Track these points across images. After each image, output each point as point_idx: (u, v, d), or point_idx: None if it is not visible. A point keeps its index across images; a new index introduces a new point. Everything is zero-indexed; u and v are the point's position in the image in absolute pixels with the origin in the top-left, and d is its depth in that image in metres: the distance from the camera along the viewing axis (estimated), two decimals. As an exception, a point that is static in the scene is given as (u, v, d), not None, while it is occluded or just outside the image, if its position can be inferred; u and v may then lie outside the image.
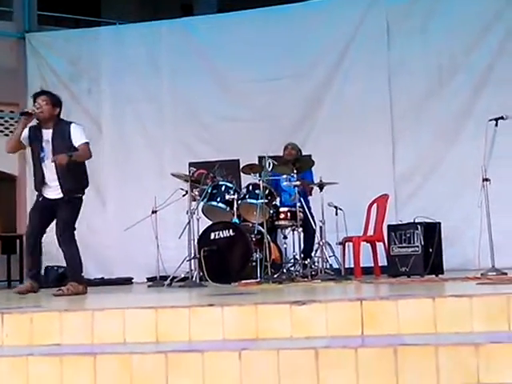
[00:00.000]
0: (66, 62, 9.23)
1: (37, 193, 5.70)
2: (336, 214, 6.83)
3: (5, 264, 8.64)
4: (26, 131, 5.55)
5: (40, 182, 5.58)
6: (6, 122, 9.45)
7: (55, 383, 3.24)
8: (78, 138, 5.56)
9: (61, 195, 5.55)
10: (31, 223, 5.82)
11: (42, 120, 5.53)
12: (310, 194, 7.18)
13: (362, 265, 6.94)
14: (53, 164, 5.43)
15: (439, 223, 6.55)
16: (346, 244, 7.07)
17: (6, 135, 9.37)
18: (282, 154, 7.43)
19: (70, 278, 5.78)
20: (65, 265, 8.35)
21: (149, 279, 7.85)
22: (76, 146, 5.52)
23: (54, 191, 5.58)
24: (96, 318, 3.61)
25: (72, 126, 5.58)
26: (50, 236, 8.89)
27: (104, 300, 5.31)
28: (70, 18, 10.49)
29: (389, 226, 6.85)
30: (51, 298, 5.38)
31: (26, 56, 9.34)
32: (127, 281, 8.23)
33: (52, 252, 8.84)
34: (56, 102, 5.62)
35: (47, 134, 5.54)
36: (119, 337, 3.58)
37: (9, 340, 3.59)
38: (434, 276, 6.28)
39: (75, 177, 5.57)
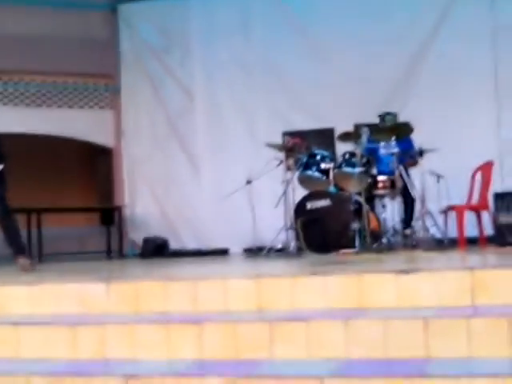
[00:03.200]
0: (158, 33, 9.26)
1: None
2: (438, 182, 6.57)
3: (104, 235, 8.85)
4: None
5: None
6: (101, 94, 9.62)
7: (162, 350, 3.27)
8: None
9: None
10: None
11: None
12: (413, 165, 6.89)
13: (466, 235, 6.68)
14: None
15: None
16: (449, 213, 6.82)
17: (102, 107, 9.57)
18: (378, 122, 7.23)
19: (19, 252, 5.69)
20: (163, 236, 8.65)
21: (246, 250, 7.87)
22: None
23: None
24: (199, 287, 3.61)
25: None
26: (145, 207, 9.13)
27: (205, 269, 5.33)
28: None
29: (496, 194, 6.54)
30: (149, 267, 5.44)
31: (118, 27, 9.44)
32: (224, 251, 8.28)
33: (149, 223, 9.08)
34: None
35: None
36: (222, 305, 3.57)
37: (116, 308, 3.65)
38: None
39: None
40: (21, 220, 8.27)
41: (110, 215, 9.06)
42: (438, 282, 3.42)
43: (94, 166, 10.83)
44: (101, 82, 9.54)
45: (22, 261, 5.53)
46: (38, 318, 3.69)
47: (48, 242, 8.25)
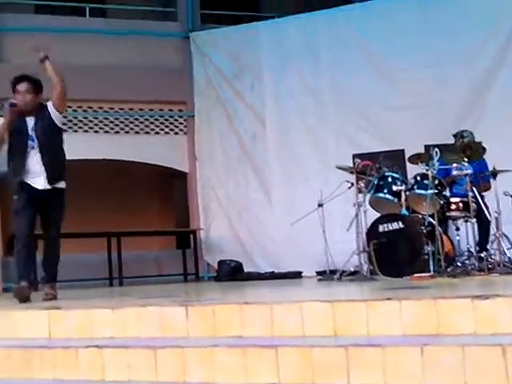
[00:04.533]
0: (229, 59, 9.46)
1: (17, 189, 5.26)
2: (512, 204, 6.47)
3: (180, 258, 9.04)
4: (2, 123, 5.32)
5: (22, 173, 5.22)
6: (175, 120, 9.88)
7: (240, 374, 3.34)
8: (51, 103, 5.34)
9: (48, 186, 5.23)
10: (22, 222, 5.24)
11: (25, 111, 5.25)
12: (488, 189, 6.78)
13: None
14: (38, 152, 5.19)
15: None
16: (524, 235, 6.67)
17: (176, 133, 9.81)
18: (448, 142, 7.15)
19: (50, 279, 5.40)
20: (236, 259, 8.75)
21: (318, 273, 7.88)
22: (54, 99, 5.30)
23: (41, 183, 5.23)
24: (275, 311, 3.67)
25: (47, 103, 5.33)
26: (219, 230, 9.28)
27: (280, 293, 5.39)
28: (230, 14, 10.76)
29: None
30: (225, 290, 5.53)
31: (190, 55, 9.69)
32: (297, 274, 8.30)
33: (223, 246, 9.23)
34: (38, 88, 5.31)
35: (31, 120, 5.27)
36: (298, 330, 3.62)
37: (194, 331, 3.75)
38: None
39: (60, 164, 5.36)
40: (101, 244, 8.59)
41: (186, 239, 9.26)
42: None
43: (170, 191, 11.10)
44: (175, 108, 9.82)
45: (48, 289, 5.29)
46: (121, 341, 3.82)
47: (127, 265, 8.50)
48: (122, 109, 9.48)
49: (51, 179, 5.21)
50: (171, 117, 9.82)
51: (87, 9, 10.04)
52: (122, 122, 9.60)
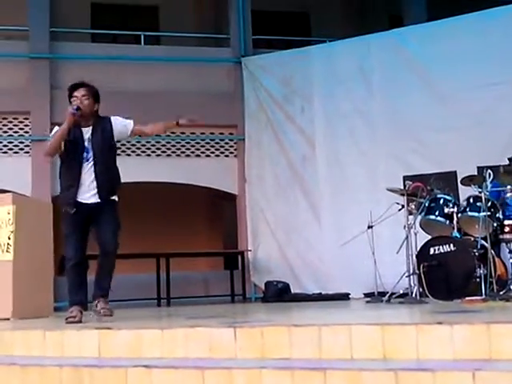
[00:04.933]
0: (280, 83, 9.55)
1: (67, 205, 4.96)
2: None
3: (228, 279, 9.07)
4: (54, 130, 5.06)
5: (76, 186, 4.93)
6: (226, 143, 9.98)
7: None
8: (123, 121, 5.10)
9: (100, 200, 4.99)
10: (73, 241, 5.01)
11: (82, 117, 4.94)
12: None
13: None
14: (92, 165, 4.93)
15: None
16: None
17: (227, 156, 9.90)
18: (502, 164, 7.04)
19: (104, 293, 5.16)
20: (284, 280, 8.74)
21: (366, 295, 7.81)
22: (130, 128, 5.08)
23: (93, 197, 4.99)
24: (323, 334, 3.65)
25: (112, 117, 5.08)
26: (267, 252, 9.29)
27: (328, 315, 5.35)
28: (281, 39, 10.87)
29: None
30: (272, 311, 5.50)
31: (242, 79, 9.82)
32: (344, 296, 8.26)
33: (271, 268, 9.23)
34: (96, 96, 5.06)
35: (87, 132, 4.99)
36: (346, 352, 3.58)
37: (242, 353, 3.75)
38: None
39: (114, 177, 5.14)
40: (150, 265, 8.70)
41: (233, 260, 9.30)
42: None
43: (219, 212, 11.19)
44: (226, 132, 9.94)
45: (103, 304, 5.10)
46: (169, 361, 3.84)
47: (175, 285, 8.57)
48: (173, 132, 9.63)
49: (103, 194, 4.98)
50: (222, 140, 9.94)
51: (142, 36, 10.28)
52: (173, 146, 9.77)
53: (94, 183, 4.96)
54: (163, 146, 9.72)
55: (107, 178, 5.02)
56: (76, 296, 5.05)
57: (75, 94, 4.97)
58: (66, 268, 5.05)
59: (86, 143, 4.96)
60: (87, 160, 4.95)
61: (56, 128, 5.05)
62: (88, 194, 4.95)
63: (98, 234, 5.04)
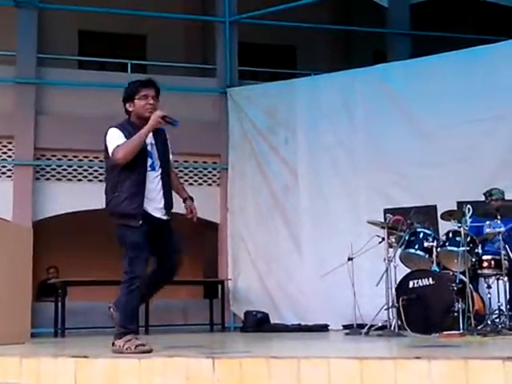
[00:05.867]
0: (264, 114, 9.63)
1: (134, 217, 4.39)
2: (546, 263, 6.39)
3: (207, 308, 9.03)
4: (119, 134, 4.48)
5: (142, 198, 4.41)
6: (209, 172, 10.02)
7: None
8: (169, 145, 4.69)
9: (165, 216, 4.54)
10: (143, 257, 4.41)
11: (146, 121, 4.47)
12: None
13: None
14: (158, 174, 4.49)
15: None
16: (558, 295, 6.58)
17: (210, 185, 9.93)
18: (482, 199, 7.14)
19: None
20: (263, 310, 8.72)
21: (345, 326, 7.82)
22: (172, 157, 4.70)
23: (158, 210, 4.51)
24: (302, 366, 3.65)
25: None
26: (247, 281, 9.27)
27: (307, 347, 5.35)
28: (267, 71, 10.99)
29: None
30: (251, 342, 5.50)
31: (227, 109, 9.89)
32: (323, 327, 8.24)
33: (250, 297, 9.22)
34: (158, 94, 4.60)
35: (149, 136, 4.50)
36: (325, 385, 3.59)
37: (220, 383, 3.74)
38: None
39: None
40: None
41: (213, 288, 9.28)
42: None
43: (201, 241, 11.17)
44: (210, 161, 9.98)
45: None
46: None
47: (154, 313, 8.52)
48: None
49: (168, 206, 4.53)
50: (205, 169, 9.98)
51: (129, 65, 10.35)
52: (157, 174, 9.76)
53: (161, 194, 4.48)
54: (147, 173, 9.73)
55: (170, 189, 4.58)
56: (134, 323, 4.54)
57: (146, 91, 4.48)
58: (130, 288, 4.34)
59: (149, 148, 4.48)
60: (153, 168, 4.46)
61: (115, 131, 4.51)
62: (154, 206, 4.46)
63: (163, 255, 4.54)
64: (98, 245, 9.36)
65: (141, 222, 4.37)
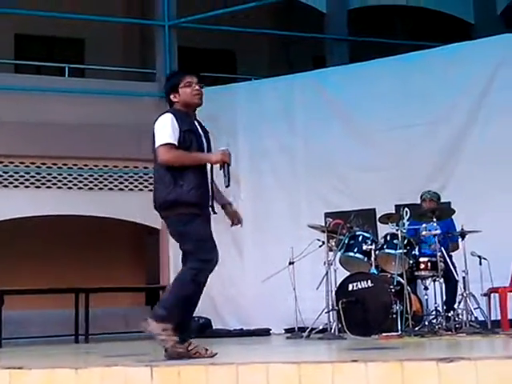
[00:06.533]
0: (206, 119, 9.47)
1: (197, 209, 4.25)
2: (480, 264, 6.57)
3: (149, 315, 8.91)
4: (173, 122, 4.31)
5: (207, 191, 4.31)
6: (150, 177, 9.88)
7: None
8: None
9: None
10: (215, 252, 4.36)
11: (193, 111, 4.43)
12: (456, 249, 6.85)
13: (509, 317, 6.59)
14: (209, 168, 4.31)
15: None
16: (492, 295, 6.76)
17: (151, 190, 9.81)
18: (419, 202, 7.29)
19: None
20: (205, 315, 8.68)
21: (286, 330, 7.87)
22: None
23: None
24: (241, 372, 3.65)
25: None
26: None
27: (247, 352, 5.36)
28: (207, 76, 10.95)
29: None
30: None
31: (167, 114, 9.81)
32: (265, 332, 8.26)
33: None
34: None
35: (196, 125, 4.42)
36: (264, 391, 3.60)
37: (158, 392, 3.71)
38: None
39: None
40: (69, 300, 8.49)
41: (155, 295, 9.18)
42: (481, 372, 3.39)
43: (142, 247, 11.06)
44: (150, 166, 9.80)
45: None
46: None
47: (94, 321, 8.38)
48: (96, 165, 9.54)
49: (213, 205, 4.39)
50: (146, 174, 9.86)
51: (66, 68, 10.18)
52: (96, 179, 9.64)
53: (210, 192, 4.34)
54: (85, 179, 9.57)
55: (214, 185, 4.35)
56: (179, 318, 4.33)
57: (190, 79, 4.29)
58: (197, 273, 4.34)
59: (202, 138, 4.35)
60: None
61: (168, 118, 4.34)
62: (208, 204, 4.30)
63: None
64: (32, 252, 9.17)
65: (211, 210, 4.31)
